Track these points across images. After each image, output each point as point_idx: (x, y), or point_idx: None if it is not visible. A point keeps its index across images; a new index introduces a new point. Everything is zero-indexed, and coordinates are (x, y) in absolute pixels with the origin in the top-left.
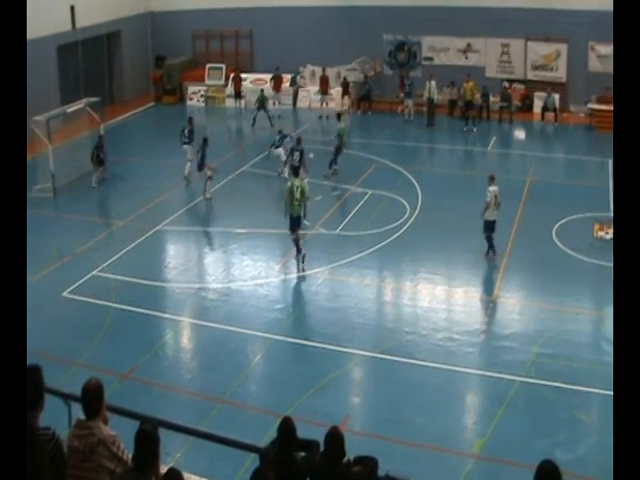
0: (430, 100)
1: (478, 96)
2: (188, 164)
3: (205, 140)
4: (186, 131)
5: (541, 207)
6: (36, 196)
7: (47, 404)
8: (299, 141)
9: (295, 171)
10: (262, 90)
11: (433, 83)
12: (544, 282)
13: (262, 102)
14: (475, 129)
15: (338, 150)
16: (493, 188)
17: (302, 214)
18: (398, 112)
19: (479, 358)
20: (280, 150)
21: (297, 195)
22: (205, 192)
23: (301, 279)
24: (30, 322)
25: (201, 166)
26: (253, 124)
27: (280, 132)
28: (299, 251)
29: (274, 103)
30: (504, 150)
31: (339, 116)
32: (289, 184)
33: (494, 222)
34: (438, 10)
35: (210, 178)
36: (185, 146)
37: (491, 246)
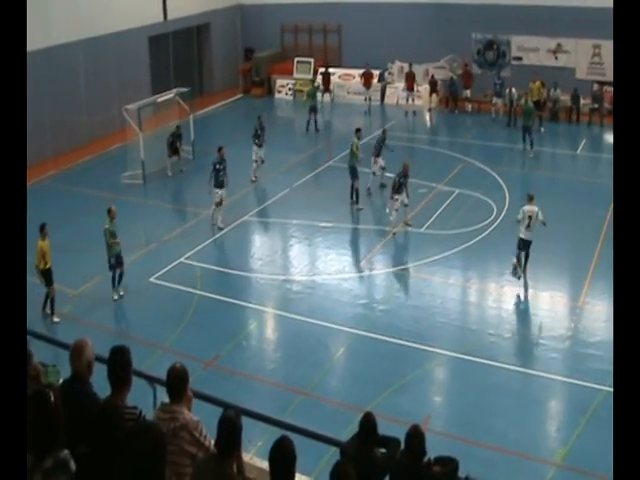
0: (510, 102)
1: (545, 95)
2: (254, 165)
3: (220, 149)
4: (257, 131)
5: None
6: (126, 183)
7: (133, 385)
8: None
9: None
10: (313, 82)
11: (513, 90)
12: None
13: (314, 98)
14: (542, 129)
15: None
16: (527, 208)
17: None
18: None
19: (563, 364)
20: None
21: (353, 148)
22: (215, 218)
23: (386, 275)
24: (118, 305)
25: (218, 182)
26: (307, 128)
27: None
28: (352, 195)
29: (365, 99)
30: (594, 154)
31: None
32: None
33: (528, 242)
34: (528, 9)
35: (218, 204)
36: (254, 147)
37: (519, 263)
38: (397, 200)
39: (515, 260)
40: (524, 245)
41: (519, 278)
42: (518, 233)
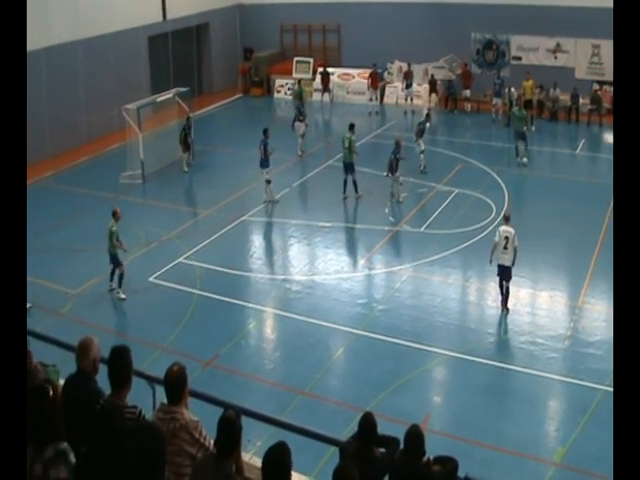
0: (510, 102)
1: (536, 94)
2: (300, 140)
3: (265, 131)
4: (300, 109)
5: None
6: (125, 182)
7: (133, 385)
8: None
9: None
10: (299, 82)
11: (512, 90)
12: None
13: (300, 97)
14: (533, 128)
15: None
16: (504, 228)
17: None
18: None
19: (562, 364)
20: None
21: (346, 144)
22: (268, 195)
23: (385, 275)
24: (117, 305)
25: (264, 162)
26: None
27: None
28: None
29: (371, 99)
30: (593, 154)
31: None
32: (344, 135)
33: (508, 268)
34: (527, 9)
35: (268, 182)
36: (296, 123)
37: (502, 294)
38: (398, 177)
39: (500, 289)
40: (503, 273)
41: (503, 311)
42: (498, 260)
